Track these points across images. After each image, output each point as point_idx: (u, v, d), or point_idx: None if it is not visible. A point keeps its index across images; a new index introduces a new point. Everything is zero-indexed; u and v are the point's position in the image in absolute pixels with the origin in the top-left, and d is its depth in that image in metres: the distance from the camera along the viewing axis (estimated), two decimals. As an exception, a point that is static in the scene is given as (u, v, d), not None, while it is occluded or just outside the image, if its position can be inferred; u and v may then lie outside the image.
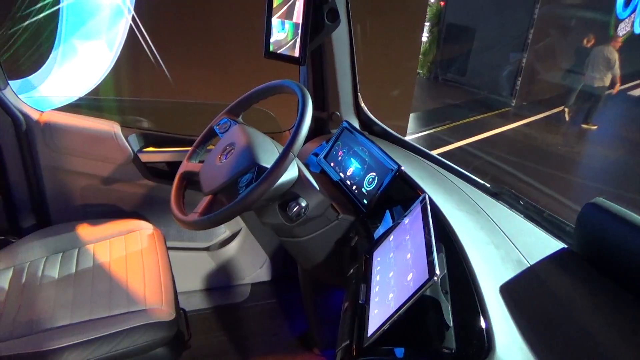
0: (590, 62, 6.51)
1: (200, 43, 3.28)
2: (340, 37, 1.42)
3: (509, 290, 0.78)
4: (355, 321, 0.78)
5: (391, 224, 0.97)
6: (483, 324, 0.70)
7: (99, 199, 1.63)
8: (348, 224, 1.12)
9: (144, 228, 1.44)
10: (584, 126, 6.66)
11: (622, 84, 6.83)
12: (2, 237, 1.53)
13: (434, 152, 1.40)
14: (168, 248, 1.44)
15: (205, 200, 1.05)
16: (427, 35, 8.43)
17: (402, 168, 1.06)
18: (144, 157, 1.61)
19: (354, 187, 1.16)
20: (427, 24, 8.15)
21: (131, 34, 3.10)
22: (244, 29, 3.18)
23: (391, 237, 0.90)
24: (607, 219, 0.80)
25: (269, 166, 0.96)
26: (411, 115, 5.78)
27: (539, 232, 0.98)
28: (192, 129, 1.55)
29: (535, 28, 7.31)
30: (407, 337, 0.72)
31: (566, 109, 7.07)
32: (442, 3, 8.35)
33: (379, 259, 0.88)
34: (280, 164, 0.93)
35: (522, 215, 1.05)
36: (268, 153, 1.06)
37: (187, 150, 1.25)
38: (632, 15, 8.99)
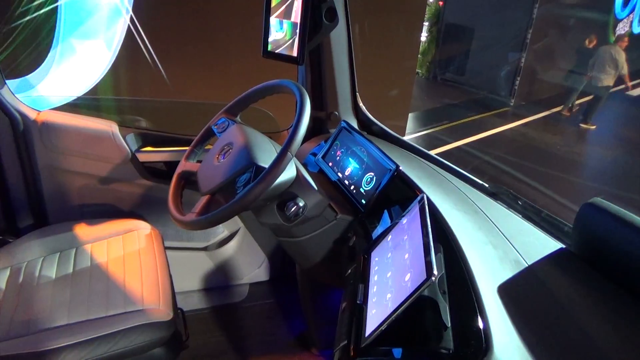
0: (596, 63, 6.51)
1: (198, 42, 3.27)
2: (338, 37, 1.41)
3: (506, 291, 0.78)
4: (353, 321, 0.78)
5: (389, 224, 0.97)
6: (481, 324, 0.70)
7: (96, 198, 1.62)
8: (346, 223, 1.12)
9: (142, 228, 1.44)
10: (583, 126, 6.67)
11: (621, 83, 6.84)
12: (0, 237, 1.53)
13: (433, 152, 1.40)
14: (166, 248, 1.44)
15: (202, 200, 1.04)
16: (426, 35, 8.43)
17: (400, 168, 1.06)
18: (141, 157, 1.61)
19: (352, 187, 1.16)
20: (426, 23, 8.16)
21: (129, 33, 3.09)
22: (243, 28, 3.18)
23: (389, 237, 0.90)
24: (605, 219, 0.80)
25: (266, 166, 0.96)
26: (410, 115, 5.78)
27: (537, 232, 0.98)
28: (190, 128, 1.55)
29: (534, 28, 7.32)
30: (405, 338, 0.72)
31: (566, 109, 7.09)
32: (440, 3, 8.35)
33: (377, 259, 0.88)
34: (278, 163, 0.93)
35: (520, 215, 1.05)
36: (266, 153, 1.06)
37: (185, 150, 1.25)
38: (631, 15, 9.01)
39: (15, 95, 1.49)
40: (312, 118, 1.56)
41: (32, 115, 1.49)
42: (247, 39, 3.10)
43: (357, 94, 1.55)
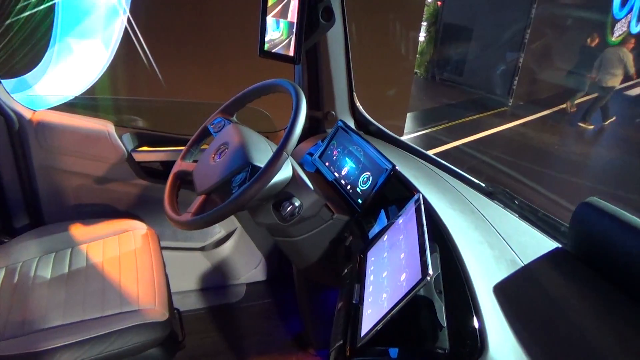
0: (603, 63, 6.57)
1: (195, 42, 3.27)
2: (335, 36, 1.41)
3: (502, 290, 0.77)
4: (348, 321, 0.78)
5: (386, 224, 0.97)
6: (476, 324, 0.70)
7: (92, 198, 1.62)
8: (342, 223, 1.11)
9: (138, 228, 1.44)
10: (582, 125, 6.69)
11: (621, 83, 6.88)
12: (-5, 237, 1.52)
13: (431, 152, 1.40)
14: (162, 248, 1.43)
15: (198, 200, 1.04)
16: (425, 34, 8.44)
17: (397, 167, 1.06)
18: (137, 157, 1.60)
19: (348, 187, 1.15)
20: (424, 23, 8.16)
21: (127, 32, 3.09)
22: (239, 28, 3.18)
23: (385, 237, 0.90)
24: (602, 218, 0.80)
25: (262, 165, 0.96)
26: (408, 114, 5.78)
27: (533, 231, 0.98)
28: (187, 128, 1.54)
29: (532, 28, 7.33)
30: (401, 337, 0.72)
31: (570, 108, 7.12)
32: (439, 2, 8.35)
33: (373, 258, 0.88)
34: (274, 163, 0.92)
35: (517, 215, 1.05)
36: (262, 152, 1.05)
37: (181, 150, 1.24)
38: (629, 15, 9.03)
39: (11, 94, 1.49)
40: (309, 118, 1.56)
41: (27, 114, 1.48)
42: (244, 38, 3.10)
43: (354, 93, 1.55)
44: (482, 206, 1.06)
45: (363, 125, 1.58)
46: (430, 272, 0.66)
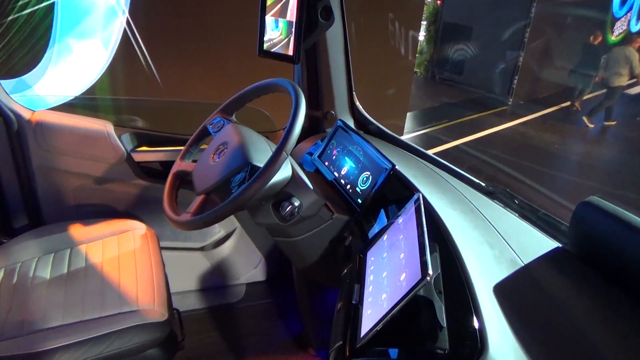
0: (610, 62, 6.62)
1: (194, 42, 3.26)
2: (334, 36, 1.41)
3: (502, 290, 0.77)
4: (348, 321, 0.77)
5: (385, 224, 0.96)
6: (476, 324, 0.69)
7: (91, 198, 1.61)
8: (342, 223, 1.11)
9: (137, 228, 1.43)
10: (585, 119, 6.70)
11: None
12: (-6, 238, 1.52)
13: (431, 152, 1.39)
14: (162, 248, 1.43)
15: (197, 200, 1.04)
16: (424, 34, 8.44)
17: (397, 167, 1.05)
18: (137, 157, 1.60)
19: (348, 187, 1.15)
20: (424, 22, 8.16)
21: (126, 33, 3.08)
22: (239, 27, 3.17)
23: (385, 237, 0.89)
24: (602, 217, 0.80)
25: (261, 165, 0.96)
26: (408, 114, 5.78)
27: (533, 231, 0.97)
28: (186, 128, 1.54)
29: (532, 26, 7.33)
30: (401, 338, 0.71)
31: (578, 106, 7.13)
32: (439, 2, 8.35)
33: (372, 258, 0.88)
34: (273, 163, 0.92)
35: (517, 214, 1.04)
36: (261, 152, 1.05)
37: (181, 150, 1.24)
38: (629, 14, 9.02)
39: (10, 95, 1.49)
40: (308, 117, 1.56)
41: (26, 115, 1.48)
42: (243, 38, 3.09)
43: (354, 93, 1.54)
44: (482, 206, 1.06)
45: (363, 124, 1.57)
46: (430, 272, 0.66)
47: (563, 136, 6.51)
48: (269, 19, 1.18)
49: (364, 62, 4.00)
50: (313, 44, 1.41)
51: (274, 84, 1.12)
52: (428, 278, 0.65)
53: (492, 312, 0.72)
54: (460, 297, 0.75)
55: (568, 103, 7.43)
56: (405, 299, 0.66)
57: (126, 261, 1.31)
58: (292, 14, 1.12)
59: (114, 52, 3.12)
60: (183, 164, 1.20)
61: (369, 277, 0.83)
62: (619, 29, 8.85)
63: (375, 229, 1.01)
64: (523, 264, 0.84)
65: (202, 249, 1.79)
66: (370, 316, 0.72)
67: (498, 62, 7.81)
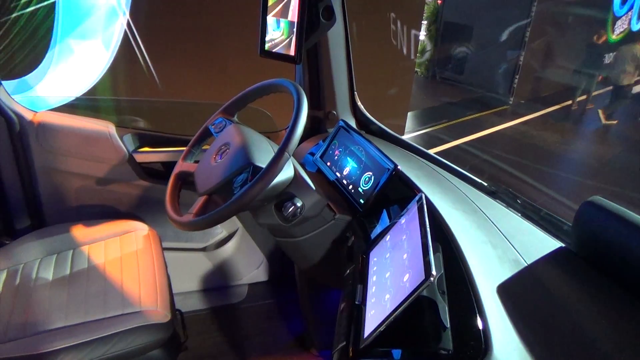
0: (618, 61, 6.66)
1: (196, 42, 3.26)
2: (336, 35, 1.41)
3: (506, 290, 0.77)
4: (351, 322, 0.77)
5: (388, 224, 0.96)
6: (480, 325, 0.69)
7: (93, 199, 1.61)
8: (344, 223, 1.11)
9: (139, 229, 1.43)
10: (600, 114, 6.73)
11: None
12: (-3, 239, 1.52)
13: (432, 151, 1.39)
14: (164, 249, 1.43)
15: (200, 201, 1.04)
16: (425, 33, 8.43)
17: (399, 167, 1.05)
18: (139, 158, 1.60)
19: (350, 187, 1.15)
20: (424, 22, 8.15)
21: (128, 33, 3.08)
22: (240, 28, 3.17)
23: (388, 237, 0.89)
24: (605, 217, 0.80)
25: (264, 166, 0.96)
26: (409, 113, 5.77)
27: (536, 231, 0.97)
28: (188, 128, 1.54)
29: (532, 26, 7.32)
30: (404, 339, 0.71)
31: (587, 104, 7.18)
32: (439, 1, 8.34)
33: (375, 259, 0.87)
34: (275, 163, 0.92)
35: (520, 214, 1.04)
36: (263, 153, 1.05)
37: (183, 150, 1.24)
38: (629, 13, 9.00)
39: (12, 96, 1.49)
40: (310, 117, 1.56)
41: (28, 116, 1.48)
42: (245, 38, 3.09)
43: (355, 93, 1.54)
44: (484, 205, 1.05)
45: (364, 124, 1.57)
46: (434, 272, 0.66)
47: (564, 135, 6.50)
48: (270, 19, 1.18)
49: (365, 62, 3.99)
50: (314, 44, 1.41)
51: (275, 84, 1.12)
52: (432, 278, 0.65)
53: (495, 313, 0.72)
54: (464, 298, 0.75)
55: (569, 102, 7.42)
56: (409, 300, 0.66)
57: (129, 262, 1.31)
58: (293, 14, 1.12)
59: (115, 52, 3.12)
60: (185, 164, 1.20)
61: (372, 278, 0.83)
62: (619, 28, 8.83)
63: (378, 229, 1.01)
64: (526, 264, 0.84)
65: (204, 249, 1.79)
66: (374, 317, 0.72)
67: (499, 61, 7.80)
